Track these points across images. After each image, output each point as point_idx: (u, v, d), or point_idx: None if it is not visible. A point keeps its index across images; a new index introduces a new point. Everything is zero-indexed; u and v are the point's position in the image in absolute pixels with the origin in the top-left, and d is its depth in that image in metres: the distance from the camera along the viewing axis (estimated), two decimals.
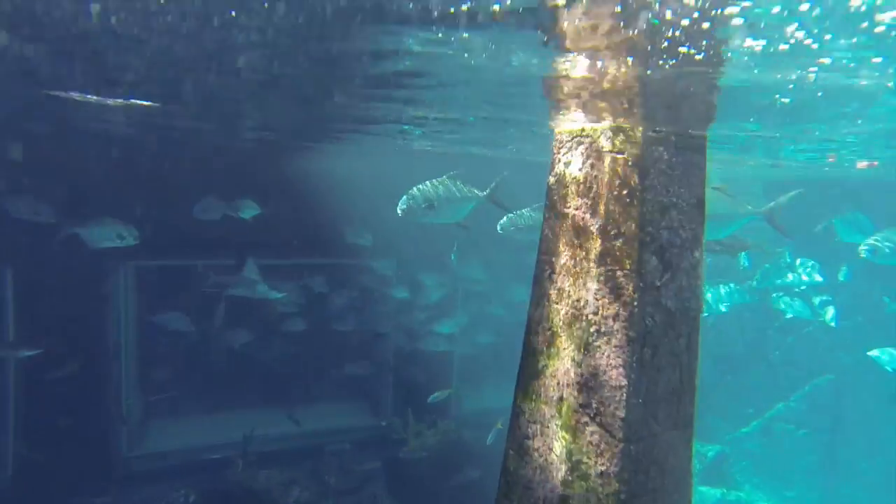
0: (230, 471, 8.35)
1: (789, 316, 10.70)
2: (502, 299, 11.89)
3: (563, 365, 2.87)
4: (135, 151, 9.05)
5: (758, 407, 12.19)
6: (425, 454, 9.01)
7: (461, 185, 6.48)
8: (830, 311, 10.60)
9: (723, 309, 10.55)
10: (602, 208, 2.73)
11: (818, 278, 10.63)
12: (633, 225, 2.65)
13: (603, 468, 2.75)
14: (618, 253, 2.68)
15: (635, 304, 2.67)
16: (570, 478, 2.82)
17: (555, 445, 2.91)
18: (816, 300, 10.86)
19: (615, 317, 2.69)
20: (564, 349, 2.85)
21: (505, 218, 7.22)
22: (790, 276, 10.90)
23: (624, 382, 2.69)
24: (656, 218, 2.70)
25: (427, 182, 6.49)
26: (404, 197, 6.37)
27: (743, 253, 11.82)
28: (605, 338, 2.71)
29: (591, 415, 2.77)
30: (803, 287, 10.81)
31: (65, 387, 8.66)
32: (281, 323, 10.38)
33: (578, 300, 2.81)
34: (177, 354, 11.16)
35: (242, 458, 8.40)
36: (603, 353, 2.73)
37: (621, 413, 2.70)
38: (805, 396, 11.87)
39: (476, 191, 6.61)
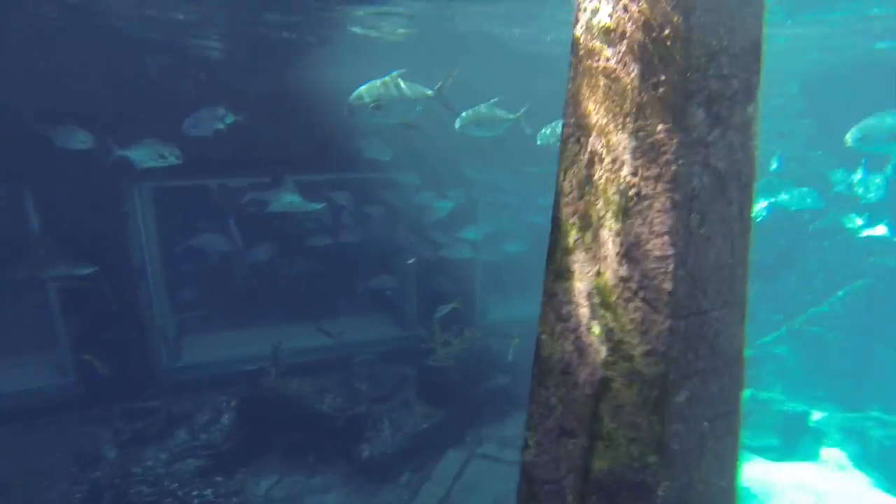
0: (264, 380, 8.57)
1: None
2: (536, 207, 11.75)
3: (599, 236, 2.59)
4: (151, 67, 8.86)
5: (788, 313, 12.08)
6: (453, 362, 9.13)
7: (409, 84, 6.19)
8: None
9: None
10: (638, 55, 2.32)
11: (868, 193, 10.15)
12: (676, 73, 2.28)
13: (648, 347, 2.51)
14: (658, 105, 2.29)
15: (680, 162, 2.32)
16: (611, 359, 2.60)
17: (594, 326, 2.66)
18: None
19: (657, 178, 2.35)
20: (600, 219, 2.56)
21: (463, 114, 7.12)
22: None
23: (669, 252, 2.37)
24: (703, 64, 2.38)
25: (376, 80, 6.19)
26: (352, 96, 6.12)
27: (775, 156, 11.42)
28: (647, 202, 2.39)
29: (634, 290, 2.49)
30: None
31: (102, 304, 9.00)
32: (305, 239, 10.38)
33: (614, 162, 2.48)
34: (203, 274, 11.36)
35: (274, 369, 8.60)
36: (645, 220, 2.42)
37: (667, 286, 2.41)
38: (839, 301, 11.71)
39: (426, 90, 6.27)
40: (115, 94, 8.34)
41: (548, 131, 7.27)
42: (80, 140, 7.25)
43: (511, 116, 7.52)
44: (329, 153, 9.43)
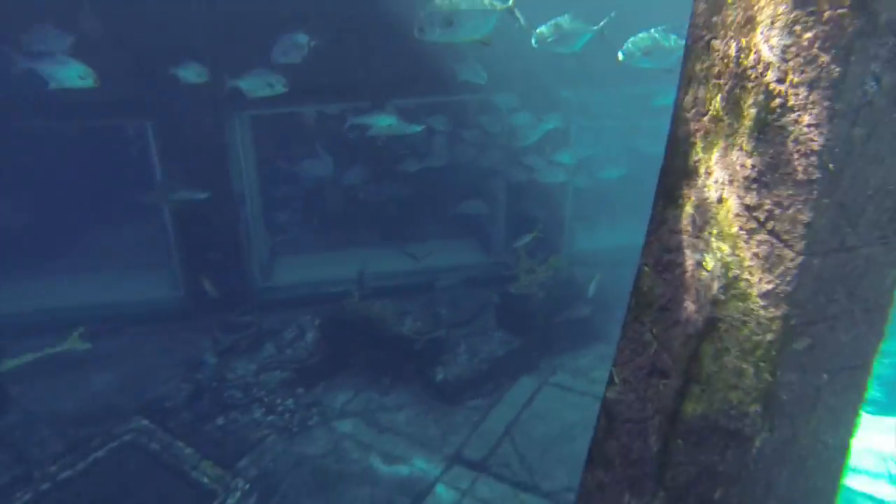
0: (348, 301, 8.90)
1: None
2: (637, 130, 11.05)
3: (725, 156, 2.19)
4: None
5: None
6: (536, 290, 8.98)
7: None
8: None
9: None
10: None
11: None
12: None
13: (770, 287, 2.14)
14: None
15: (852, 59, 1.81)
16: (722, 297, 2.27)
17: (706, 259, 2.32)
18: None
19: (813, 83, 1.87)
20: (729, 135, 2.14)
21: (540, 28, 6.35)
22: None
23: (815, 175, 1.93)
24: None
25: None
26: (421, 14, 5.59)
27: None
28: (794, 115, 1.94)
29: (761, 219, 2.10)
30: None
31: (207, 228, 9.67)
32: (397, 163, 10.41)
33: (756, 66, 2.02)
34: (296, 198, 11.82)
35: (358, 291, 8.89)
36: (788, 136, 1.96)
37: (805, 217, 2.00)
38: None
39: (498, 2, 5.53)
40: (216, 24, 8.54)
41: (631, 45, 6.57)
42: (197, 73, 7.49)
43: (594, 28, 6.91)
44: (424, 76, 9.21)
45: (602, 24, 6.74)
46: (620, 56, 6.41)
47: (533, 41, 6.81)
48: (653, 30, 6.36)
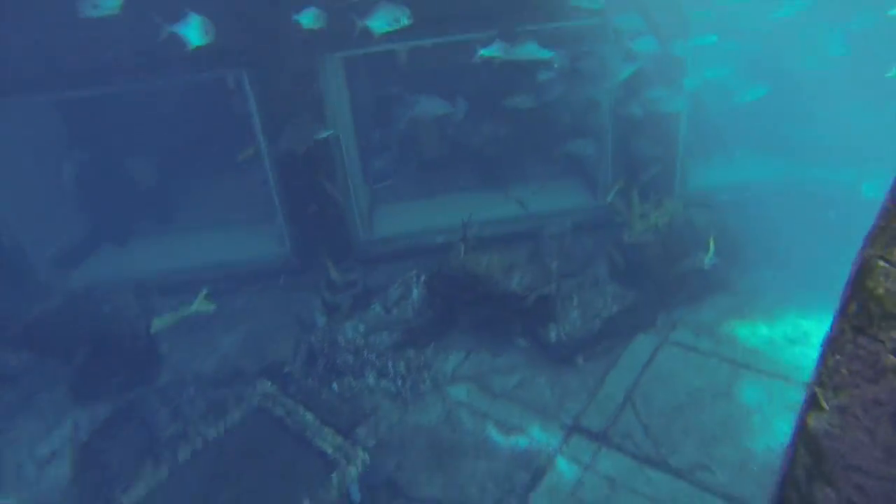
0: (452, 255, 8.56)
1: None
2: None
3: None
4: None
5: None
6: (651, 238, 8.26)
7: None
8: None
9: None
10: None
11: None
12: None
13: None
14: None
15: None
16: None
17: None
18: None
19: None
20: None
21: None
22: None
23: None
24: None
25: None
26: None
27: None
28: None
29: None
30: None
31: (305, 180, 9.51)
32: (501, 99, 9.62)
33: None
34: (391, 142, 11.40)
35: (463, 244, 8.50)
36: None
37: None
38: None
39: None
40: None
41: None
42: (315, 18, 7.14)
43: None
44: (535, 1, 8.33)
45: None
46: None
47: None
48: None
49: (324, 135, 8.33)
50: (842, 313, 2.22)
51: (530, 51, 7.42)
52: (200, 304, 8.58)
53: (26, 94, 9.01)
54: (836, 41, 8.39)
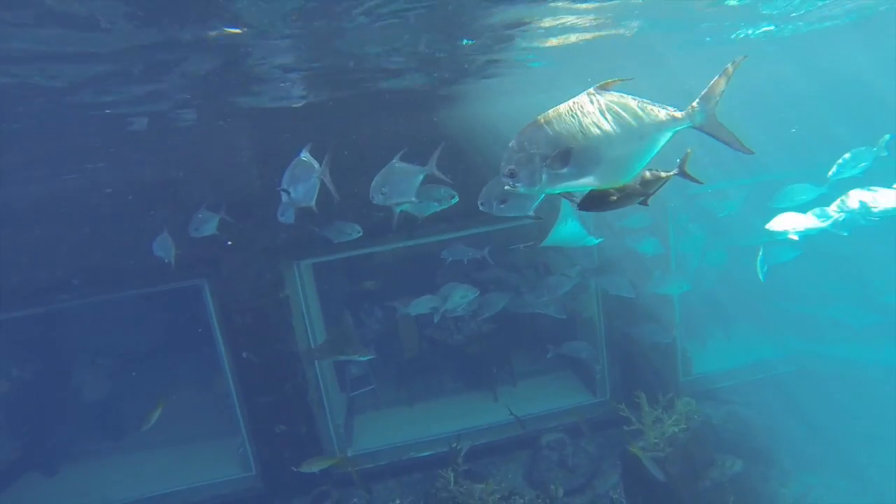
0: (441, 484, 7.02)
1: None
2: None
3: None
4: None
5: None
6: (669, 450, 6.88)
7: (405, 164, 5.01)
8: None
9: None
10: None
11: None
12: None
13: None
14: None
15: None
16: None
17: None
18: None
19: None
20: None
21: None
22: None
23: None
24: None
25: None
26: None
27: None
28: None
29: None
30: None
31: (271, 396, 8.19)
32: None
33: None
34: (369, 346, 10.21)
35: (453, 473, 7.01)
36: None
37: None
38: None
39: (417, 167, 4.98)
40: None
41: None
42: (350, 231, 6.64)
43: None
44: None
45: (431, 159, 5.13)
46: None
47: None
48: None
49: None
50: None
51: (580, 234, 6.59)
52: None
53: None
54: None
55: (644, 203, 2.76)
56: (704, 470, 7.07)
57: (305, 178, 4.61)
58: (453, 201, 5.66)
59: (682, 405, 7.43)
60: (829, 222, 6.22)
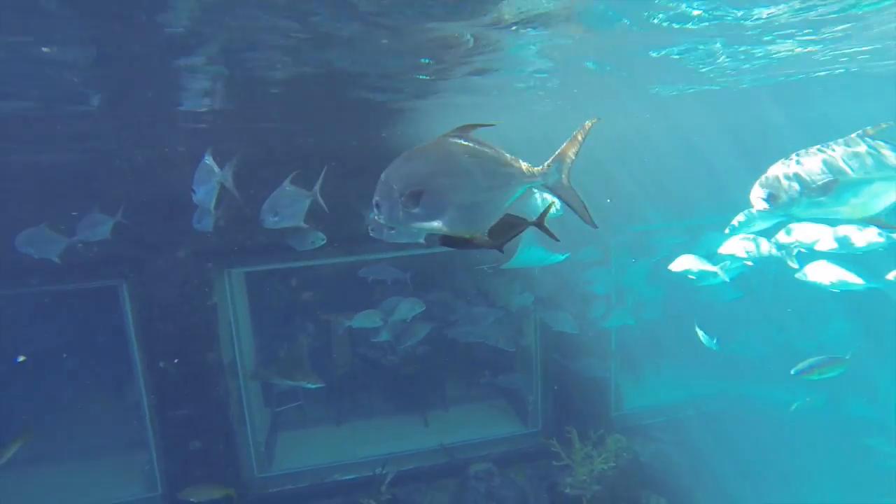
0: None
1: None
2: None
3: None
4: None
5: None
6: (597, 488, 6.72)
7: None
8: None
9: None
10: None
11: None
12: None
13: None
14: None
15: None
16: None
17: None
18: None
19: None
20: None
21: None
22: None
23: None
24: None
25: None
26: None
27: None
28: None
29: None
30: None
31: (188, 409, 7.54)
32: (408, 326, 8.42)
33: None
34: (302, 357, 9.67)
35: (374, 501, 6.60)
36: None
37: None
38: None
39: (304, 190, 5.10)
40: None
41: None
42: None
43: None
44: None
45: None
46: None
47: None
48: None
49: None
50: None
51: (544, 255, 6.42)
52: None
53: None
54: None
55: (499, 249, 2.58)
56: None
57: (206, 180, 4.36)
58: (321, 243, 5.84)
59: (612, 442, 7.33)
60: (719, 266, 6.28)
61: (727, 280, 6.16)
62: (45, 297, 9.04)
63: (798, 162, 3.01)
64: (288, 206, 4.84)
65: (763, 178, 3.17)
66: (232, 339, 7.83)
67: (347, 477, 7.99)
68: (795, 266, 5.53)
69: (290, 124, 7.63)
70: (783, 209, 3.20)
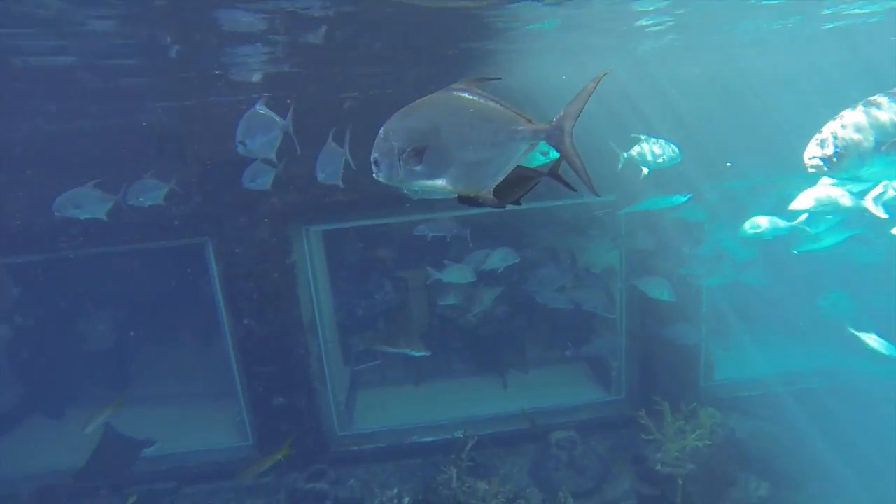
0: (442, 480, 6.40)
1: None
2: None
3: None
4: None
5: None
6: (691, 467, 6.16)
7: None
8: None
9: None
10: None
11: None
12: None
13: None
14: None
15: None
16: None
17: None
18: None
19: None
20: None
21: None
22: None
23: None
24: None
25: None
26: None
27: None
28: None
29: None
30: None
31: (271, 366, 7.59)
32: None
33: None
34: (377, 320, 9.53)
35: (455, 469, 6.38)
36: None
37: None
38: None
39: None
40: None
41: None
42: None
43: None
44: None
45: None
46: None
47: None
48: None
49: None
50: None
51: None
52: None
53: None
54: None
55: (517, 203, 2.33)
56: (726, 489, 6.36)
57: (265, 130, 4.09)
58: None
59: (706, 416, 6.69)
60: None
61: (885, 216, 5.03)
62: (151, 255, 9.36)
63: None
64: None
65: (823, 133, 2.71)
66: (311, 297, 7.74)
67: (426, 439, 7.85)
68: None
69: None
70: (849, 170, 2.65)
